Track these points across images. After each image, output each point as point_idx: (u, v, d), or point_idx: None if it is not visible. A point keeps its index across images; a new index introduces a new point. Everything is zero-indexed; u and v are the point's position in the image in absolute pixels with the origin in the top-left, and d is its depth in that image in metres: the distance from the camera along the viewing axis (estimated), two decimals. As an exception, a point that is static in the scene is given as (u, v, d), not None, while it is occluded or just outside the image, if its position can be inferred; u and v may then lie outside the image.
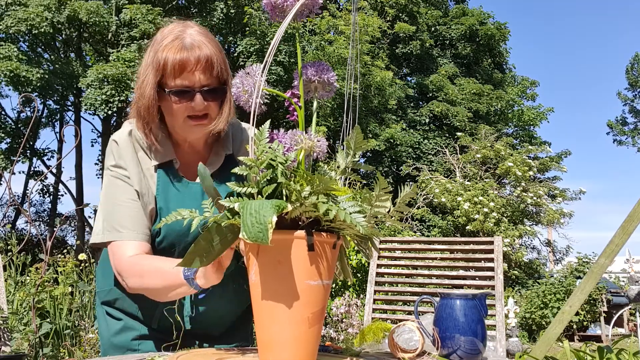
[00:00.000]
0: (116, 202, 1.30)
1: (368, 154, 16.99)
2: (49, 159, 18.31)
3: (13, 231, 13.74)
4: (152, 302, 1.31)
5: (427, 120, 17.78)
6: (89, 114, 14.99)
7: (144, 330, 1.37)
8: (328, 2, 17.57)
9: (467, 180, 13.37)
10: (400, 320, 1.84)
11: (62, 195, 20.21)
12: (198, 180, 1.35)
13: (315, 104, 1.00)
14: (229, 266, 1.06)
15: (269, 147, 0.91)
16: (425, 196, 13.21)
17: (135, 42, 13.12)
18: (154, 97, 1.26)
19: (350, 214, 0.83)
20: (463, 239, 2.58)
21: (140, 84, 1.28)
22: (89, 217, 17.89)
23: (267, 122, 0.95)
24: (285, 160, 0.88)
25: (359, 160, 1.01)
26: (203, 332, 1.37)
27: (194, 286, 1.11)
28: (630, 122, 27.14)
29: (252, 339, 1.54)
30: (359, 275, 5.49)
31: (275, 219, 0.78)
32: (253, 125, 0.92)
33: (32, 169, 18.50)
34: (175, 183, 1.34)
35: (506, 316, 4.94)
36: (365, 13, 16.30)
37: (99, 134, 17.67)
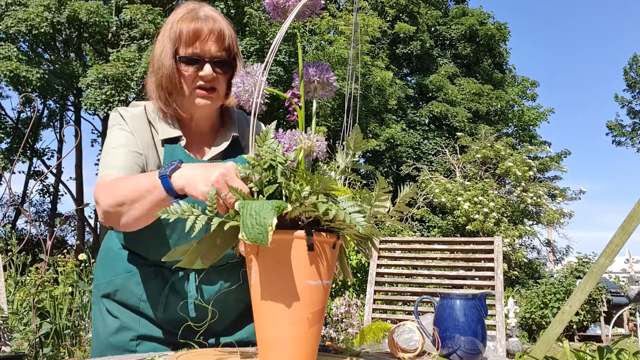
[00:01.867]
0: (118, 146, 1.28)
1: (368, 154, 16.99)
2: (49, 159, 18.34)
3: (13, 231, 13.73)
4: (156, 286, 1.30)
5: (427, 121, 17.78)
6: (89, 114, 15.01)
7: (142, 329, 1.33)
8: (328, 2, 17.57)
9: (467, 180, 13.37)
10: (400, 320, 1.84)
11: (62, 195, 20.23)
12: (205, 158, 1.36)
13: (314, 104, 1.00)
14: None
15: (270, 147, 0.91)
16: (425, 196, 13.21)
17: (135, 42, 13.11)
18: (173, 66, 1.29)
19: (350, 213, 0.83)
20: (463, 239, 2.58)
21: (159, 56, 1.30)
22: (89, 217, 17.90)
23: (274, 123, 0.95)
24: (285, 160, 0.88)
25: (358, 161, 1.01)
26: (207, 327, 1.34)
27: (166, 188, 1.04)
28: (627, 124, 27.10)
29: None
30: (359, 275, 5.49)
31: (275, 221, 0.77)
32: (254, 125, 0.91)
33: (32, 169, 18.52)
34: (181, 158, 1.31)
35: (506, 316, 4.94)
36: (366, 13, 16.30)
37: (99, 134, 17.68)
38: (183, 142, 1.35)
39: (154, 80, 1.33)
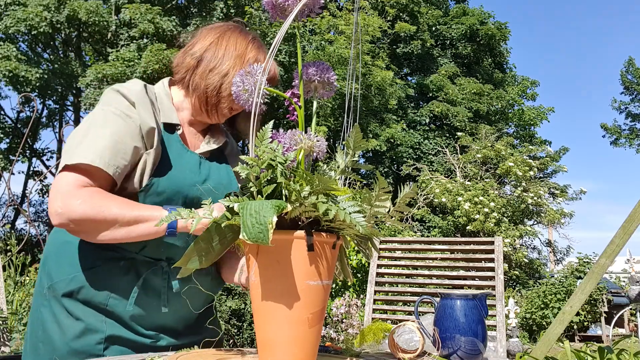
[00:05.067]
0: (115, 132, 1.21)
1: (368, 154, 17.00)
2: (48, 159, 18.35)
3: (12, 231, 13.73)
4: (127, 281, 1.24)
5: (427, 120, 17.79)
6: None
7: (110, 330, 1.23)
8: (328, 1, 17.56)
9: (468, 180, 13.37)
10: (401, 321, 1.83)
11: (62, 195, 20.16)
12: (197, 151, 1.40)
13: (315, 104, 0.99)
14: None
15: (269, 147, 0.90)
16: (425, 196, 13.21)
17: (134, 41, 13.11)
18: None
19: (350, 213, 0.83)
20: (463, 239, 2.57)
21: (230, 65, 1.37)
22: (89, 217, 17.86)
23: (270, 123, 0.94)
24: (285, 160, 0.88)
25: (358, 160, 1.00)
26: (168, 326, 1.31)
27: (168, 221, 0.88)
28: (624, 127, 27.02)
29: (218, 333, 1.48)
30: (359, 275, 5.49)
31: (275, 219, 0.77)
32: (254, 124, 0.91)
33: (32, 169, 18.53)
34: (175, 145, 1.35)
35: (507, 316, 4.94)
36: (366, 13, 16.30)
37: (98, 134, 17.64)
38: (179, 131, 1.38)
39: (212, 81, 1.35)
